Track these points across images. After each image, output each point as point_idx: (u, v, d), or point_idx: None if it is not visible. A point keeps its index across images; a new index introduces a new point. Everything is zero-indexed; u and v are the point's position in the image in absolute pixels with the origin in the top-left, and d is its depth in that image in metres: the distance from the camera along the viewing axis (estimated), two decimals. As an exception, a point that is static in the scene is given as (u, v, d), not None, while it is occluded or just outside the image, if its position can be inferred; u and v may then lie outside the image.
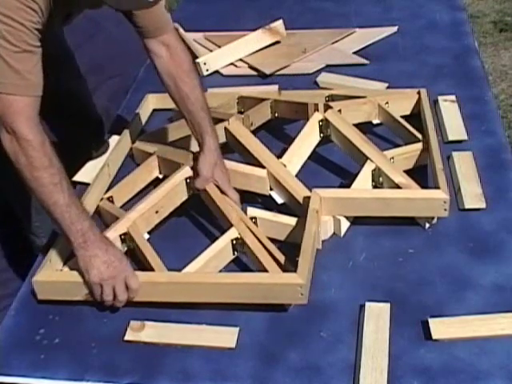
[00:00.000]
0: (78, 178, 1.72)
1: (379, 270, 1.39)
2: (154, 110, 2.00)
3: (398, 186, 1.49)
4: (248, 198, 1.56)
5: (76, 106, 2.11)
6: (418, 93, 1.83)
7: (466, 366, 1.18)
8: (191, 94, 1.54)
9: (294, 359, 1.23)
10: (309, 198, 1.45)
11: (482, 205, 1.51)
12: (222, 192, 1.52)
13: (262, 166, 1.58)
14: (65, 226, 1.31)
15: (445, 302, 1.30)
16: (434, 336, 1.22)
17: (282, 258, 1.37)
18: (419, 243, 1.44)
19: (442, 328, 1.23)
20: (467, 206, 1.51)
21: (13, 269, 2.26)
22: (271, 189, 1.57)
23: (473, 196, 1.53)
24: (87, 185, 1.65)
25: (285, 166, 1.59)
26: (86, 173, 1.73)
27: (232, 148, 1.71)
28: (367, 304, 1.29)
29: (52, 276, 1.37)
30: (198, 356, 1.25)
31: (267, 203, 1.57)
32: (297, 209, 1.50)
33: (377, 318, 1.26)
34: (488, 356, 1.19)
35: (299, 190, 1.51)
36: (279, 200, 1.56)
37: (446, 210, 1.42)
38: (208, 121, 1.55)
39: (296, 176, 1.58)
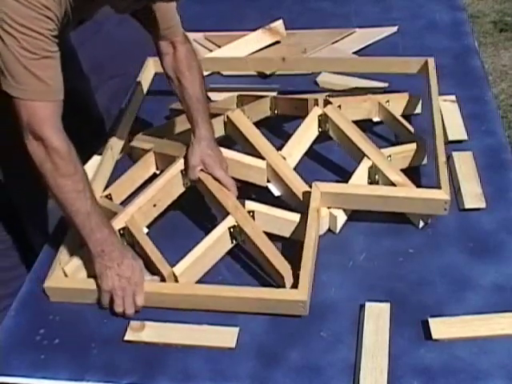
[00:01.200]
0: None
1: (379, 269, 1.39)
2: (156, 74, 2.01)
3: (393, 185, 1.49)
4: (243, 190, 1.55)
5: (79, 105, 2.11)
6: (426, 62, 1.84)
7: (466, 365, 1.18)
8: (190, 88, 1.58)
9: (294, 359, 1.23)
10: (308, 193, 1.45)
11: (482, 205, 1.51)
12: (216, 179, 1.53)
13: (262, 158, 1.58)
14: (84, 233, 1.34)
15: (445, 302, 1.31)
16: (434, 336, 1.22)
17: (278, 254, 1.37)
18: (419, 243, 1.44)
19: (442, 328, 1.24)
20: (467, 206, 1.51)
21: (13, 268, 2.26)
22: (268, 181, 1.58)
23: (473, 196, 1.53)
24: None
25: (284, 158, 1.59)
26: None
27: (232, 138, 1.71)
28: (367, 304, 1.29)
29: (63, 282, 1.39)
30: (198, 356, 1.25)
31: (262, 195, 1.56)
32: (294, 203, 1.50)
33: (377, 317, 1.26)
34: (488, 356, 1.19)
35: (298, 184, 1.51)
36: (276, 192, 1.56)
37: (446, 209, 1.42)
38: (201, 113, 1.57)
39: (294, 169, 1.58)
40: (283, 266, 1.33)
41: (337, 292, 1.35)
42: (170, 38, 1.57)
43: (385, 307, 1.28)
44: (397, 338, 1.23)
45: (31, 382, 1.24)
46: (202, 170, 1.54)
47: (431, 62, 1.85)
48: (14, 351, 1.29)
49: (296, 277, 1.31)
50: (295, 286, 1.29)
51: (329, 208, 1.47)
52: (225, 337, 1.27)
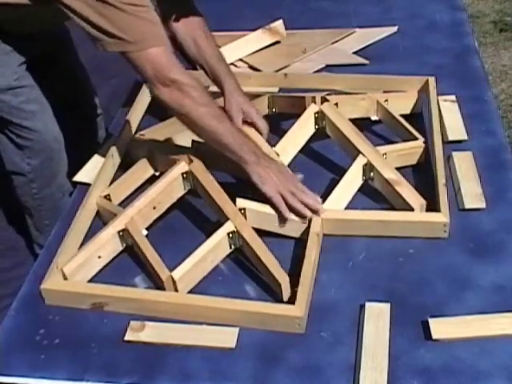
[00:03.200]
0: (77, 178, 1.72)
1: (379, 270, 1.39)
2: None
3: (387, 182, 1.50)
4: (235, 188, 1.55)
5: (79, 104, 2.12)
6: (426, 81, 1.83)
7: (466, 366, 1.18)
8: (208, 48, 1.68)
9: (294, 359, 1.23)
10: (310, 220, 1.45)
11: (482, 205, 1.51)
12: (250, 124, 1.64)
13: None
14: (237, 147, 1.44)
15: (445, 302, 1.31)
16: (434, 336, 1.22)
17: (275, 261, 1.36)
18: (419, 243, 1.44)
19: (442, 328, 1.23)
20: (467, 206, 1.51)
21: (13, 268, 2.26)
22: None
23: (473, 196, 1.53)
24: (87, 185, 1.65)
25: (278, 155, 1.59)
26: (86, 173, 1.72)
27: None
28: (367, 304, 1.29)
29: (59, 285, 1.38)
30: (198, 356, 1.25)
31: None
32: None
33: (377, 318, 1.26)
34: (488, 356, 1.19)
35: None
36: None
37: (445, 231, 1.43)
38: (224, 69, 1.68)
39: (288, 166, 1.58)
40: (281, 275, 1.32)
41: (337, 292, 1.35)
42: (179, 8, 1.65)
43: (385, 307, 1.28)
44: (397, 338, 1.23)
45: (31, 381, 1.24)
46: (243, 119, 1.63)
47: (431, 81, 1.84)
48: (13, 351, 1.29)
49: (294, 293, 1.30)
50: (292, 300, 1.28)
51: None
52: (225, 337, 1.27)
